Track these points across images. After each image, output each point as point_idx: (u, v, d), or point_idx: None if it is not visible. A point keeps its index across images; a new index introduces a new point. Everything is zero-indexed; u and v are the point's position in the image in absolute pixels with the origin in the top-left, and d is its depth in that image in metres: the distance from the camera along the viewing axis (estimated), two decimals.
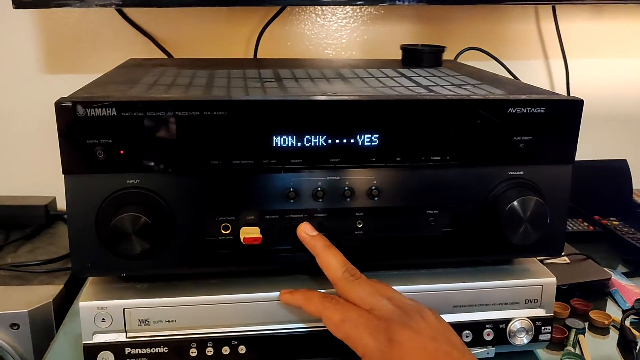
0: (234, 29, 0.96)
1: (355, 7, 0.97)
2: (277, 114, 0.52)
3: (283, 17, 0.96)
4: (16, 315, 0.68)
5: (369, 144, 0.54)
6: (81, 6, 0.78)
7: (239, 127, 0.51)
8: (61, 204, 0.95)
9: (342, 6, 0.97)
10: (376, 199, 0.56)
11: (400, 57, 0.83)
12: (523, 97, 0.55)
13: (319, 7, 0.97)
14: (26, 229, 0.89)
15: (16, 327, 0.68)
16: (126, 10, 0.92)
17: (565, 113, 0.56)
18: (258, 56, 0.95)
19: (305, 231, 0.54)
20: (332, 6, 0.97)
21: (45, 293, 0.71)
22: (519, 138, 0.55)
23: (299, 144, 0.53)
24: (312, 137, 0.53)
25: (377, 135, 0.54)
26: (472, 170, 0.56)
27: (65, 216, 0.93)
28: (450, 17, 1.00)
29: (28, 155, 0.98)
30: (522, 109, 0.55)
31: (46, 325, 0.70)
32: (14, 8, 0.77)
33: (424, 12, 0.99)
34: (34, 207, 0.91)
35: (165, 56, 0.94)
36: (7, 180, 0.98)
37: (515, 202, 0.54)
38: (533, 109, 0.55)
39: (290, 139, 0.53)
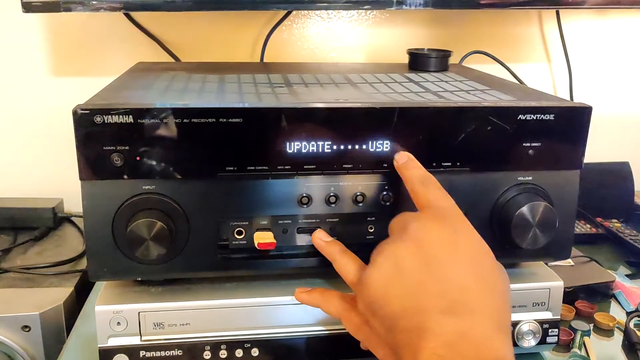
0: (241, 33, 0.97)
1: (361, 11, 0.98)
2: (292, 121, 0.53)
3: (289, 20, 0.96)
4: (27, 317, 0.68)
5: (381, 150, 0.55)
6: (89, 10, 0.78)
7: (253, 133, 0.52)
8: (68, 206, 0.96)
9: (348, 10, 0.98)
10: (387, 204, 0.56)
11: (406, 60, 0.84)
12: (533, 104, 0.56)
13: (325, 10, 0.98)
14: (34, 231, 0.89)
15: (27, 329, 0.68)
16: (133, 14, 0.93)
17: (573, 119, 0.57)
18: (264, 58, 0.96)
19: (321, 238, 0.55)
20: (338, 10, 0.97)
21: (55, 295, 0.72)
22: (529, 144, 0.56)
23: (312, 150, 0.54)
24: (325, 143, 0.54)
25: (389, 142, 0.54)
26: (482, 176, 0.57)
27: (73, 218, 0.94)
28: (455, 21, 1.01)
29: (35, 158, 0.98)
30: (532, 116, 0.55)
31: (57, 328, 0.70)
32: (23, 12, 0.78)
33: (429, 16, 1.00)
34: (41, 210, 0.91)
35: (172, 59, 0.94)
36: (15, 182, 0.98)
37: (524, 207, 0.55)
38: (542, 116, 0.55)
39: (303, 145, 0.53)
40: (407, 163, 0.53)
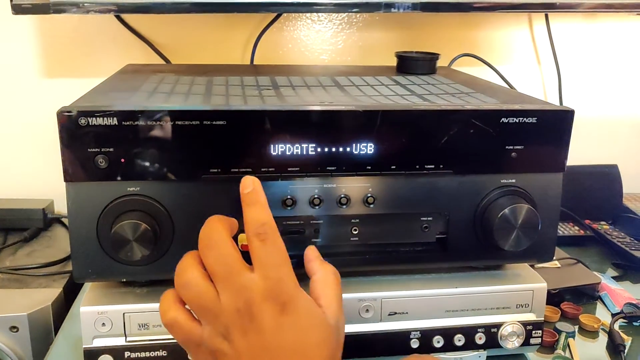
0: (231, 35, 0.97)
1: (350, 14, 0.99)
2: (276, 124, 0.53)
3: (280, 23, 0.97)
4: (16, 318, 0.68)
5: (365, 152, 0.55)
6: (80, 12, 0.79)
7: (238, 135, 0.52)
8: (59, 207, 0.96)
9: (337, 13, 0.98)
10: (371, 206, 0.57)
11: (394, 63, 0.84)
12: (516, 107, 0.57)
13: (314, 13, 0.98)
14: (24, 232, 0.89)
15: (15, 330, 0.68)
16: (124, 15, 0.93)
17: (556, 123, 0.57)
18: (254, 60, 0.96)
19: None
20: (328, 13, 0.98)
21: (44, 296, 0.72)
22: (512, 147, 0.57)
23: (296, 153, 0.54)
24: (310, 145, 0.54)
25: (373, 144, 0.55)
26: (466, 179, 0.57)
27: (63, 219, 0.94)
28: (444, 24, 1.01)
29: (26, 159, 0.98)
30: (515, 119, 0.56)
31: (45, 328, 0.70)
32: (13, 14, 0.78)
33: (418, 19, 1.00)
34: (31, 211, 0.91)
35: (163, 61, 0.95)
36: (5, 183, 0.99)
37: (507, 210, 0.56)
38: (525, 119, 0.56)
39: (287, 148, 0.54)
40: (250, 196, 0.45)
